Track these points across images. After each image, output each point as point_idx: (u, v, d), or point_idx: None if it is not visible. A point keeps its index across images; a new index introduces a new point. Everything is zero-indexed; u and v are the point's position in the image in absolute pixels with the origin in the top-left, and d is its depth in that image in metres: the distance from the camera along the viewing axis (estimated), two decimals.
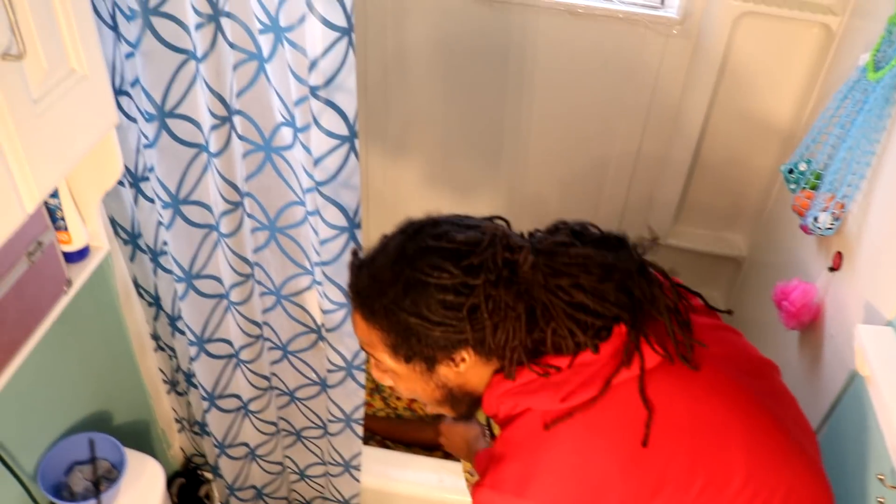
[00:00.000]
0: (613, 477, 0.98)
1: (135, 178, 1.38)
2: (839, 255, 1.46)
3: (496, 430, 1.21)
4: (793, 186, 1.59)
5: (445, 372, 1.05)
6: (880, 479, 1.13)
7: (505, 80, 1.93)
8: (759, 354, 1.17)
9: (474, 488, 1.05)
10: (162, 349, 1.73)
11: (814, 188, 1.52)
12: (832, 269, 1.48)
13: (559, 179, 2.07)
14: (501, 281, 0.97)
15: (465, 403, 1.11)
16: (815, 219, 1.46)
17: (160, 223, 1.42)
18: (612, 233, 1.07)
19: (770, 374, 1.16)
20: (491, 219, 1.08)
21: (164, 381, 1.80)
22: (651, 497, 0.99)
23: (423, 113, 2.03)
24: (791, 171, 1.58)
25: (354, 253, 1.10)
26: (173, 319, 1.58)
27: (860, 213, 1.40)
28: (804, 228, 1.51)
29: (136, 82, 1.23)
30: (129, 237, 1.47)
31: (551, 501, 0.99)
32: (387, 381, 1.13)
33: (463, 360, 1.03)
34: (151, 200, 1.40)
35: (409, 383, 1.10)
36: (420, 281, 0.98)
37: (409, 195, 2.22)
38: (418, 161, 2.15)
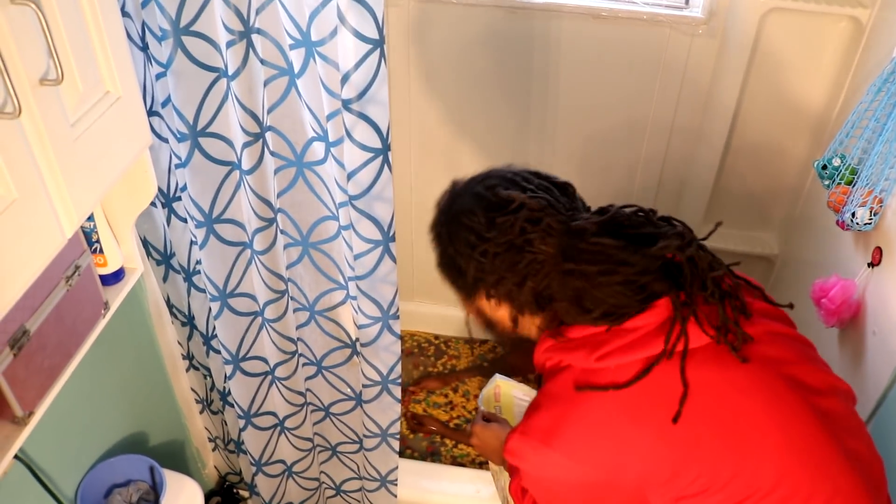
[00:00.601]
0: (638, 446, 1.01)
1: (167, 198, 1.38)
2: (878, 250, 1.44)
3: None
4: (827, 182, 1.56)
5: (484, 305, 1.14)
6: None
7: (530, 86, 1.91)
8: (831, 374, 1.13)
9: (508, 435, 1.12)
10: (195, 368, 1.72)
11: (849, 183, 1.50)
12: (871, 265, 1.46)
13: (587, 184, 2.05)
14: (513, 246, 1.05)
15: (510, 341, 1.21)
16: (853, 214, 1.44)
17: (193, 242, 1.42)
18: (665, 219, 1.09)
19: (836, 395, 1.11)
20: (561, 184, 1.14)
21: (197, 401, 1.80)
22: (672, 476, 1.01)
23: (448, 122, 2.03)
24: (825, 167, 1.56)
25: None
26: (208, 339, 1.57)
27: None
28: (841, 224, 1.49)
29: (167, 102, 1.22)
30: (162, 257, 1.47)
31: (574, 455, 1.03)
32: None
33: (493, 298, 1.11)
34: (184, 220, 1.40)
35: (469, 308, 1.19)
36: (456, 218, 1.11)
37: (435, 197, 2.21)
38: (443, 169, 2.14)
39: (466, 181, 1.15)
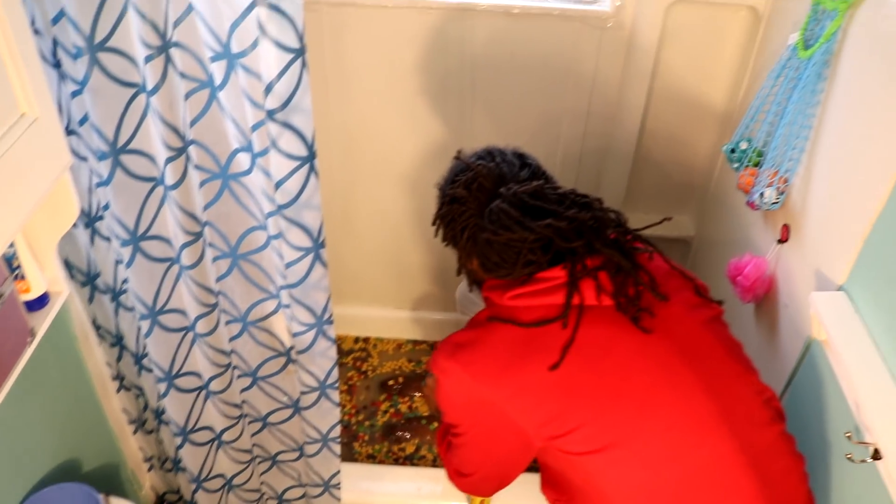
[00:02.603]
0: (523, 382, 1.17)
1: (89, 218, 1.34)
2: (786, 227, 1.52)
3: None
4: (736, 165, 1.64)
5: (463, 258, 1.32)
6: (847, 437, 1.18)
7: (447, 84, 1.93)
8: (749, 375, 1.26)
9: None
10: (127, 389, 1.69)
11: (756, 165, 1.58)
12: (780, 242, 1.54)
13: None
14: (454, 199, 1.25)
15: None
16: (761, 195, 1.51)
17: (119, 261, 1.39)
18: (583, 199, 1.24)
19: (747, 388, 1.24)
20: (532, 164, 1.28)
21: (130, 422, 1.76)
22: (548, 420, 1.16)
23: (368, 124, 2.03)
24: (733, 151, 1.63)
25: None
26: (139, 358, 1.54)
27: (803, 186, 1.45)
28: (751, 205, 1.56)
29: (84, 120, 1.19)
30: (87, 278, 1.43)
31: (469, 369, 1.20)
32: None
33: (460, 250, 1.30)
34: (108, 239, 1.36)
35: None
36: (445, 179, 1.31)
37: (360, 200, 2.22)
38: (367, 172, 2.15)
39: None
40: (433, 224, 1.31)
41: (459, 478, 1.37)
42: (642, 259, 1.26)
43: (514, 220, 1.18)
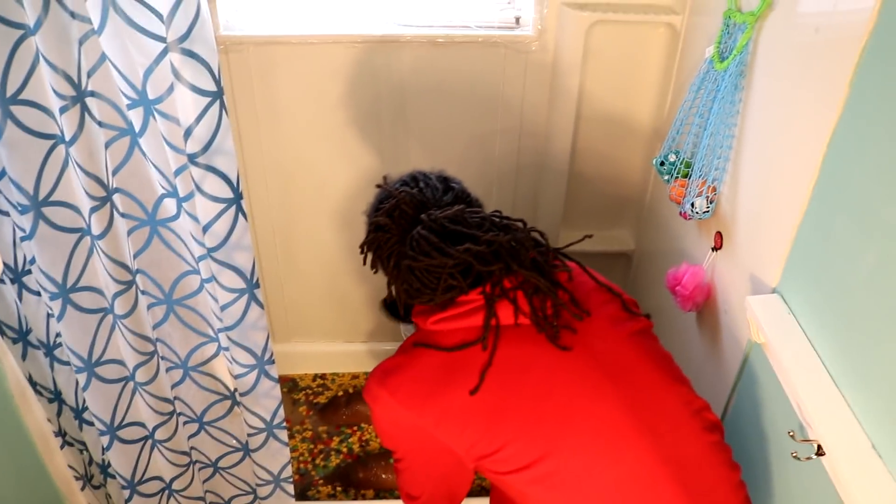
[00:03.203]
0: (447, 407, 1.18)
1: (16, 274, 1.32)
2: (719, 234, 1.54)
3: None
4: (667, 177, 1.66)
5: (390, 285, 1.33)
6: (791, 436, 1.19)
7: (380, 115, 1.94)
8: (678, 385, 1.26)
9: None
10: (70, 444, 1.64)
11: (686, 176, 1.60)
12: (715, 249, 1.56)
13: None
14: (378, 227, 1.26)
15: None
16: (692, 205, 1.54)
17: (50, 315, 1.36)
18: (502, 221, 1.25)
19: (676, 400, 1.24)
20: (455, 188, 1.30)
21: (77, 478, 1.71)
22: (474, 443, 1.18)
23: (303, 159, 2.03)
24: (662, 164, 1.66)
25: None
26: (79, 412, 1.51)
27: (731, 194, 1.48)
28: (683, 215, 1.59)
29: (2, 175, 1.17)
30: (18, 335, 1.40)
31: (397, 396, 1.21)
32: None
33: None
34: (37, 293, 1.34)
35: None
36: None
37: (300, 236, 2.21)
38: (306, 207, 2.14)
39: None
40: (360, 252, 1.31)
41: (410, 500, 1.38)
42: (563, 277, 1.28)
43: (433, 246, 1.19)
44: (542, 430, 1.15)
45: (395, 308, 1.52)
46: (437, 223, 1.21)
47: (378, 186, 1.31)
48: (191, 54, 1.03)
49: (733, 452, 1.26)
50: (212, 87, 1.06)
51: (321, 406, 2.45)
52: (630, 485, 1.15)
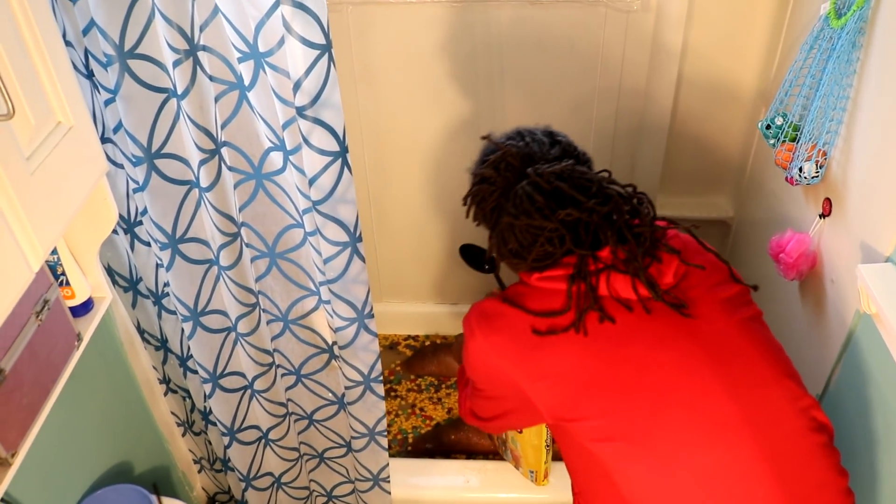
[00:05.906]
0: (541, 367, 1.18)
1: (128, 224, 1.37)
2: (828, 201, 1.49)
3: None
4: (772, 141, 1.61)
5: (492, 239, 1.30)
6: None
7: (476, 75, 1.93)
8: (786, 378, 1.20)
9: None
10: (174, 391, 1.72)
11: (793, 140, 1.55)
12: (823, 216, 1.51)
13: None
14: (483, 179, 1.25)
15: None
16: (800, 169, 1.48)
17: (159, 265, 1.41)
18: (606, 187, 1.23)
19: (783, 391, 1.18)
20: (563, 142, 1.30)
21: (179, 424, 1.79)
22: (566, 405, 1.17)
23: (397, 119, 2.04)
24: (769, 127, 1.60)
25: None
26: (183, 360, 1.57)
27: (843, 158, 1.42)
28: (790, 180, 1.53)
29: (118, 128, 1.22)
30: (129, 283, 1.46)
31: (493, 343, 1.22)
32: None
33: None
34: (147, 244, 1.39)
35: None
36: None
37: (393, 195, 2.23)
38: (398, 166, 2.16)
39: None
40: (463, 204, 1.31)
41: (472, 417, 1.42)
42: (675, 244, 1.23)
43: (535, 206, 1.18)
44: (633, 408, 1.13)
45: (473, 257, 1.55)
46: (543, 177, 1.18)
47: (483, 138, 1.30)
48: (301, 6, 1.04)
49: (835, 431, 1.20)
50: (321, 39, 1.07)
51: (408, 358, 2.49)
52: (723, 473, 1.10)
